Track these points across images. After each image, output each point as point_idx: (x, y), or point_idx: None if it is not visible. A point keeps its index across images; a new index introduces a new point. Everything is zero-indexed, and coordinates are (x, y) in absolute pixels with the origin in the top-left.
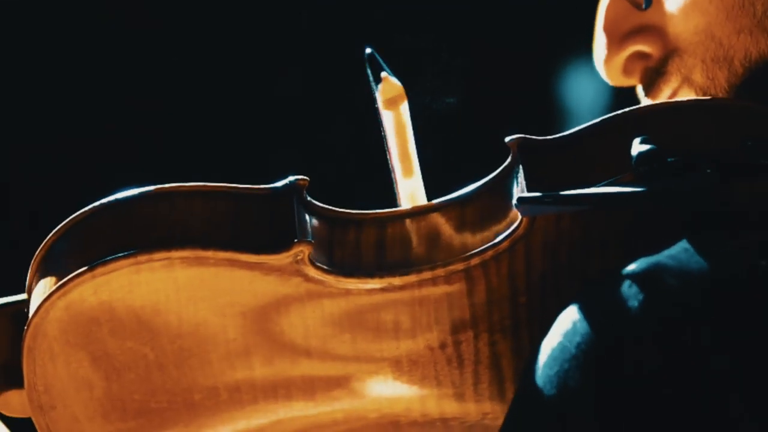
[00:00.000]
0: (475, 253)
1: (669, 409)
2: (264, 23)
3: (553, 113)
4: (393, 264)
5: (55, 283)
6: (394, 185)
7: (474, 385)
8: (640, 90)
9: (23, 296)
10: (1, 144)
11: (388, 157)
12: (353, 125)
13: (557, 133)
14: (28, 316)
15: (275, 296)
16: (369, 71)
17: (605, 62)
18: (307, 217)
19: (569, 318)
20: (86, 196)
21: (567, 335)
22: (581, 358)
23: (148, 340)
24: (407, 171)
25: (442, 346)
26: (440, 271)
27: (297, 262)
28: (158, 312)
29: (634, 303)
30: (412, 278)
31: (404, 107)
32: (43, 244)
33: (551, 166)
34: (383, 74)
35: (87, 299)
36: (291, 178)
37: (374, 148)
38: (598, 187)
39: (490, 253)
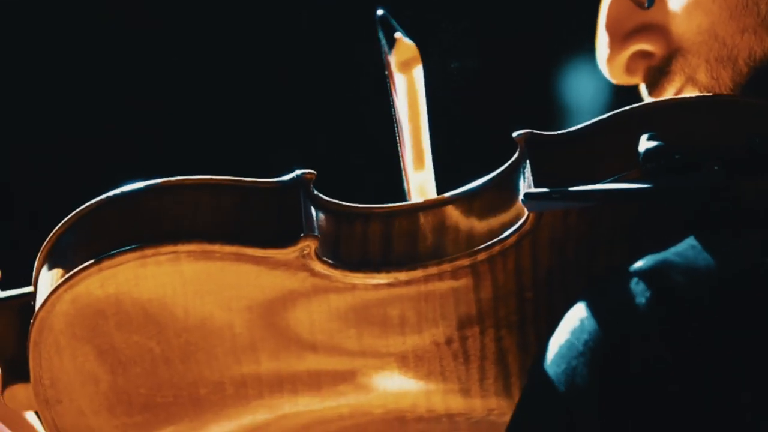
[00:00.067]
0: (482, 249)
1: (676, 406)
2: (264, 23)
3: (558, 110)
4: (399, 259)
5: (62, 276)
6: (404, 177)
7: (480, 381)
8: (643, 89)
9: (30, 289)
10: (1, 144)
11: (398, 139)
12: (360, 118)
13: (562, 130)
14: (34, 309)
15: (281, 291)
16: (381, 35)
17: (608, 61)
18: (314, 211)
19: (577, 315)
20: (86, 196)
21: (574, 332)
22: (588, 356)
23: (155, 334)
24: (418, 155)
25: (448, 341)
26: (446, 267)
27: (303, 256)
28: (165, 305)
29: (641, 300)
30: (418, 273)
31: (418, 71)
32: (50, 236)
33: (558, 162)
34: (397, 35)
35: (93, 292)
36: (298, 171)
37: (383, 143)
38: (605, 183)
39: (496, 248)
